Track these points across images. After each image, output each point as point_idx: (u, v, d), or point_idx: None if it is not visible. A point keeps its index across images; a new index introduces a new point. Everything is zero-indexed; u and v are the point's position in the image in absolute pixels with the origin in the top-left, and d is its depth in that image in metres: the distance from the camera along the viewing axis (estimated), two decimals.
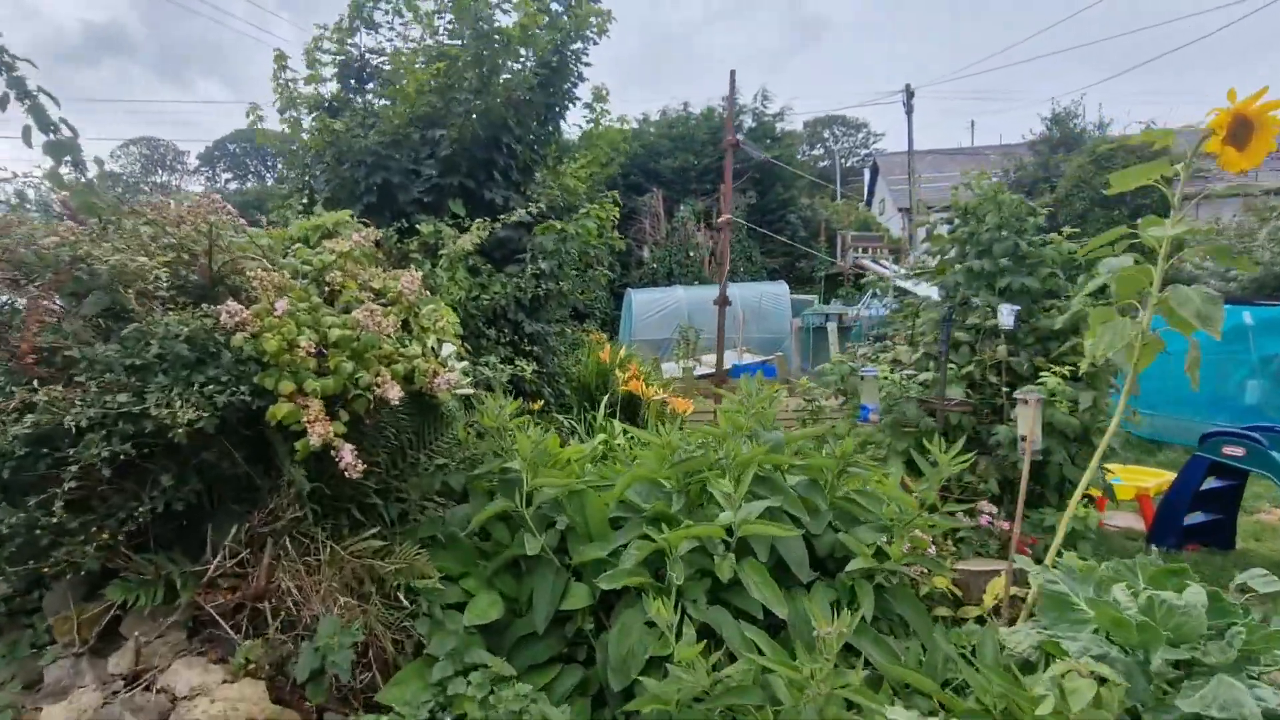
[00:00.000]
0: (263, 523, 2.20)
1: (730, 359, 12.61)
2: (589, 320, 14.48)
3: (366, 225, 4.74)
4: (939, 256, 4.55)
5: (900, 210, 29.08)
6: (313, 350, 2.04)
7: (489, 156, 5.25)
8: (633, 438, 3.86)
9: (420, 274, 3.19)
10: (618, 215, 6.19)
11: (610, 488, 2.77)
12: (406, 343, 2.69)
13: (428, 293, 3.63)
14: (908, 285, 17.42)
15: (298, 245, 2.83)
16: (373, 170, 4.91)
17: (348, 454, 1.90)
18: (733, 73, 5.63)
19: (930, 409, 3.40)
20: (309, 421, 1.84)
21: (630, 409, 7.80)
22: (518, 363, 5.21)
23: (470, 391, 2.91)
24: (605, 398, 7.63)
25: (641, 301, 15.32)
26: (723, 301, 5.42)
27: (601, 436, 3.73)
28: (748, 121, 21.97)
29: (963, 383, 3.83)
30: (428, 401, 2.80)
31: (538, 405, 4.45)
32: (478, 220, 4.48)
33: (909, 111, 25.69)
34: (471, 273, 4.95)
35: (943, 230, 4.54)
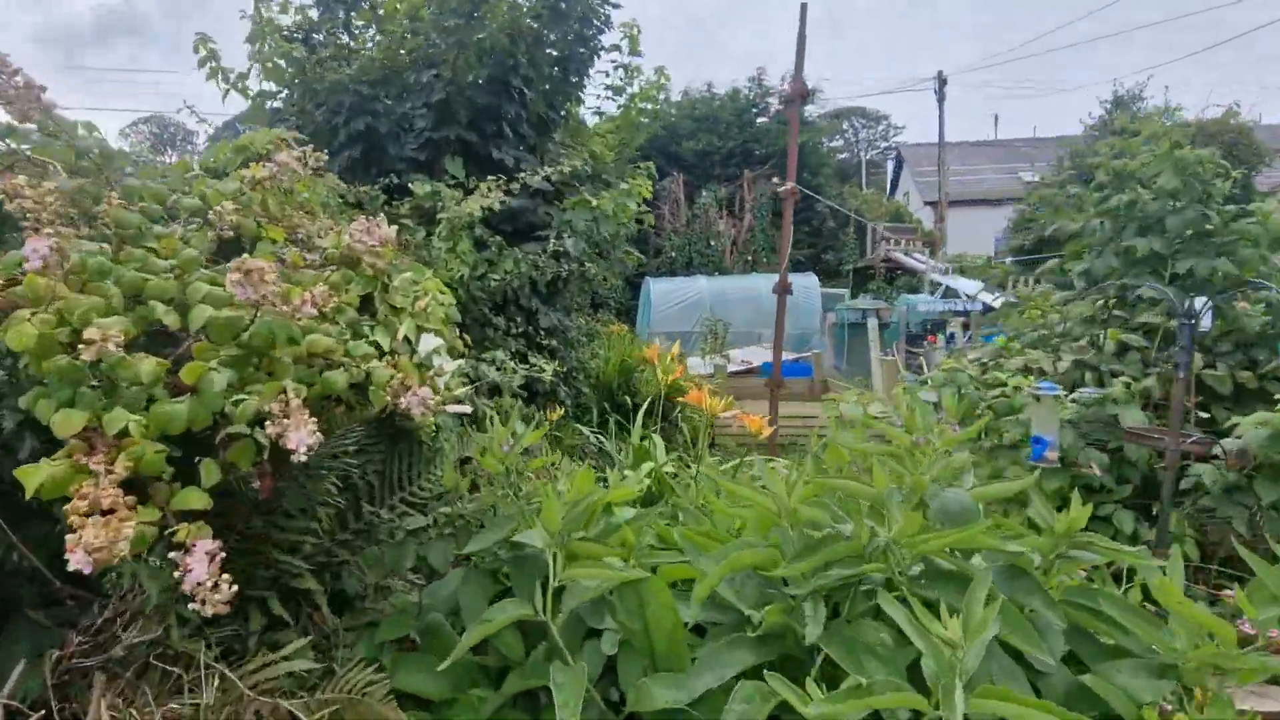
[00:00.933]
0: (83, 648, 1.24)
1: (759, 355, 11.60)
2: (603, 310, 13.53)
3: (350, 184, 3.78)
4: (1070, 236, 3.53)
5: (926, 203, 27.91)
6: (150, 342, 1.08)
7: (494, 103, 4.26)
8: (687, 473, 2.89)
9: (394, 231, 2.22)
10: (650, 191, 5.20)
11: (679, 561, 1.81)
12: (367, 332, 1.72)
13: (407, 258, 2.66)
14: (945, 280, 16.36)
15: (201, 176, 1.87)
16: (354, 115, 3.93)
17: (200, 568, 0.92)
18: (804, 6, 4.60)
19: (1150, 444, 2.40)
20: (86, 506, 0.84)
21: (661, 413, 6.82)
22: (533, 360, 4.25)
23: (467, 410, 1.94)
24: (631, 399, 6.68)
25: (661, 291, 14.32)
26: (784, 288, 4.44)
27: (648, 466, 2.75)
28: (774, 104, 20.83)
29: (1134, 403, 2.82)
30: (400, 425, 1.83)
31: (557, 414, 3.49)
32: (489, 179, 3.50)
33: (940, 100, 24.48)
34: (477, 245, 3.98)
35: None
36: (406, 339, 1.79)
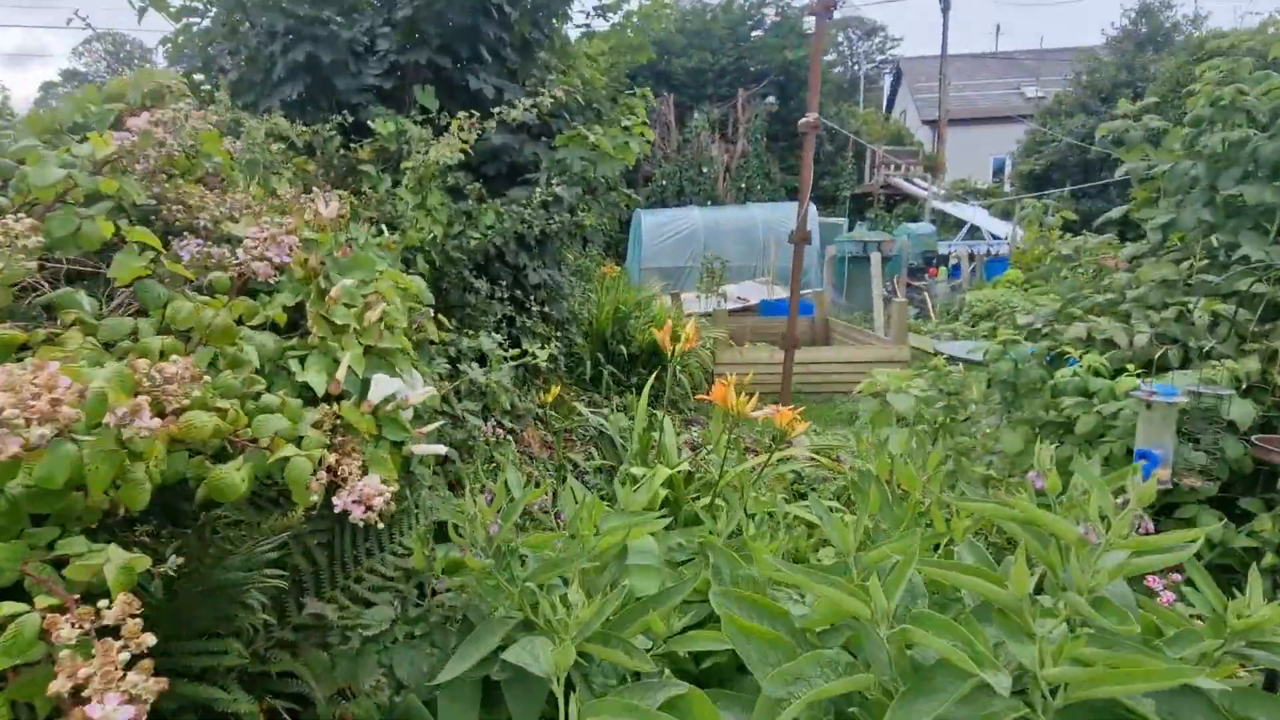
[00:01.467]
0: None
1: (756, 292, 11.11)
2: (591, 246, 12.87)
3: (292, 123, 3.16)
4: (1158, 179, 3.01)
5: (925, 123, 26.69)
6: None
7: (470, 23, 3.58)
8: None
9: (337, 205, 1.71)
10: (650, 131, 4.56)
11: (715, 645, 1.42)
12: (294, 369, 1.23)
13: (364, 225, 2.15)
14: (947, 208, 15.74)
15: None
16: (292, 42, 3.25)
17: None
18: None
19: None
20: None
21: (653, 364, 6.39)
22: (521, 322, 3.75)
23: (441, 451, 1.48)
24: (626, 348, 6.23)
25: (652, 225, 13.61)
26: (802, 237, 3.91)
27: (663, 473, 2.32)
28: (769, 16, 19.40)
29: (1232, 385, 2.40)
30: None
31: (551, 395, 3.04)
32: (460, 115, 2.90)
33: (945, 9, 22.98)
34: (453, 195, 3.40)
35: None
36: (351, 368, 1.31)
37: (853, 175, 18.44)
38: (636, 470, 2.55)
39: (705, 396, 2.21)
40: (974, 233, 14.81)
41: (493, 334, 2.98)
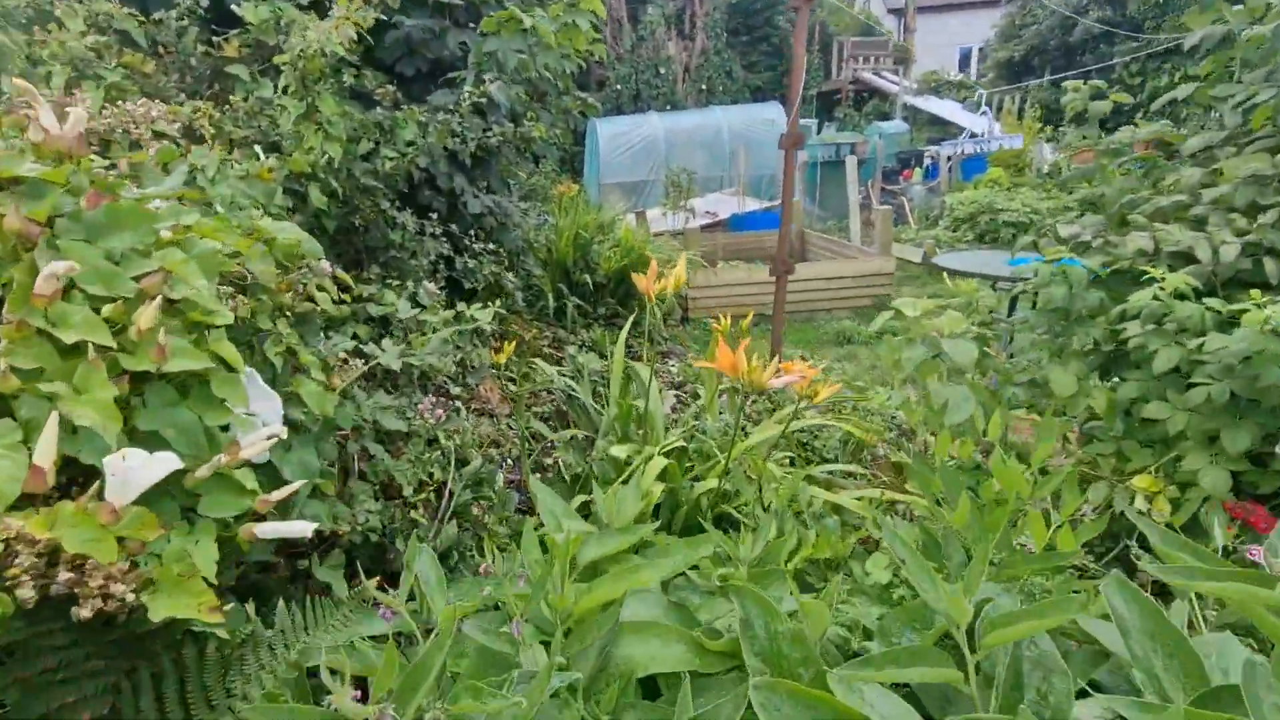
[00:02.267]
0: None
1: (725, 205, 10.37)
2: (545, 162, 11.88)
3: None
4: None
5: (891, 11, 25.17)
6: None
7: None
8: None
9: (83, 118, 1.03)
10: (603, 9, 3.76)
11: None
12: None
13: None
14: (919, 103, 14.92)
15: None
16: None
17: None
18: None
19: None
20: None
21: (621, 293, 5.77)
22: (463, 264, 3.08)
23: (307, 532, 0.89)
24: (591, 276, 5.60)
25: (610, 135, 12.56)
26: (794, 141, 3.27)
27: (656, 466, 1.78)
28: None
29: None
30: (142, 627, 0.80)
31: (505, 355, 2.44)
32: None
33: None
34: (361, 104, 2.66)
35: None
36: (93, 438, 0.71)
37: (819, 71, 17.30)
38: (618, 450, 2.02)
39: (706, 364, 1.64)
40: (944, 128, 14.11)
41: (425, 283, 2.34)
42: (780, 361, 4.00)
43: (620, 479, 1.92)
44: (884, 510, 1.93)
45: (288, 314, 1.41)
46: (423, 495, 1.99)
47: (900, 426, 3.63)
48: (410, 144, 2.55)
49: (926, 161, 12.16)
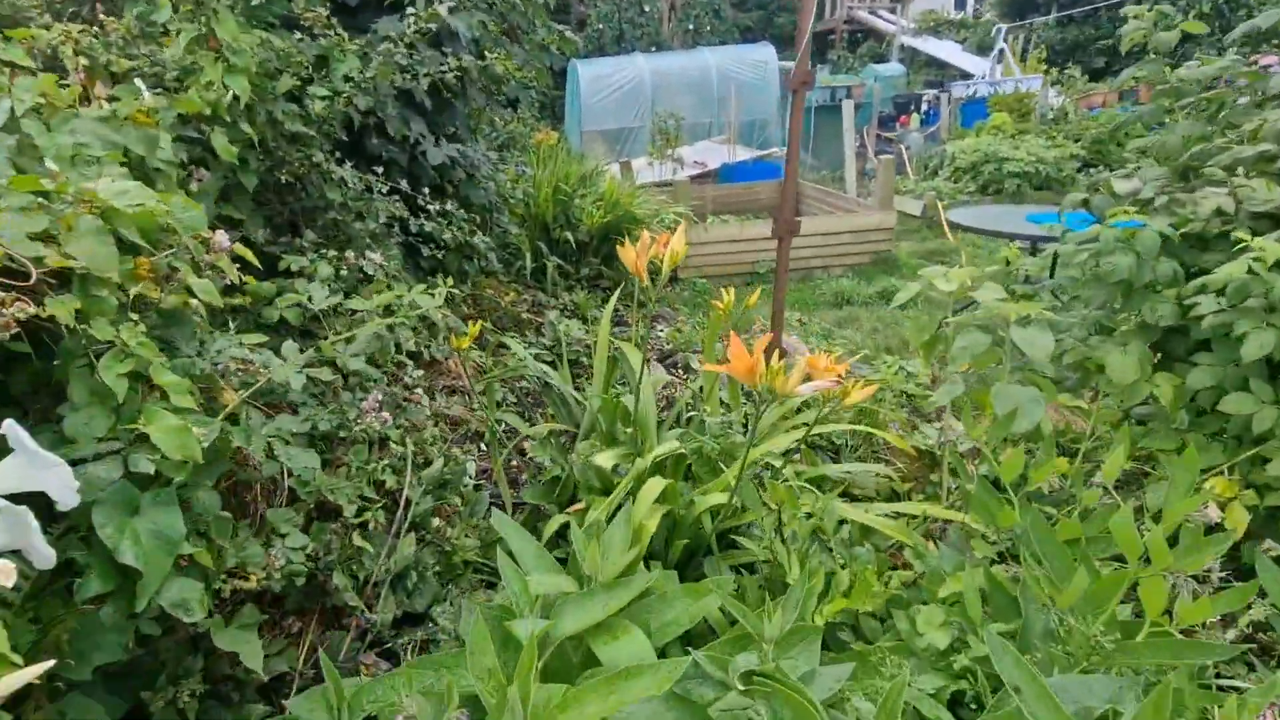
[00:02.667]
0: None
1: (714, 154, 9.83)
2: (523, 108, 11.18)
3: None
4: None
5: None
6: None
7: None
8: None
9: None
10: None
11: None
12: None
13: None
14: (917, 44, 14.23)
15: None
16: None
17: None
18: None
19: None
20: None
21: (604, 252, 5.34)
22: (420, 227, 2.66)
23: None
24: (572, 234, 5.17)
25: (591, 77, 11.84)
26: (803, 79, 2.83)
27: (652, 490, 1.43)
28: None
29: None
30: None
31: (466, 341, 2.06)
32: None
33: None
34: (287, 32, 2.19)
35: None
36: None
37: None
38: (604, 458, 1.67)
39: (716, 367, 1.28)
40: (941, 70, 13.47)
41: (369, 253, 1.93)
42: (781, 342, 3.63)
43: (607, 497, 1.57)
44: (924, 530, 1.61)
45: (145, 313, 1.03)
46: (368, 515, 1.64)
47: (911, 402, 3.31)
48: (350, 80, 2.10)
49: (925, 106, 11.61)
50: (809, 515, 1.47)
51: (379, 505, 1.72)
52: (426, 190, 2.54)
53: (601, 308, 4.97)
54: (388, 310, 1.56)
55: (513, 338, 3.82)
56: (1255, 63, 2.24)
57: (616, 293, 2.69)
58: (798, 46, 2.99)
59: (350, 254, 1.90)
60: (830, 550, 1.46)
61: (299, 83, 1.93)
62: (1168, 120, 2.43)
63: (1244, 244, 1.74)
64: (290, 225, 2.20)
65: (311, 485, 1.48)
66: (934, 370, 2.42)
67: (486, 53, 2.66)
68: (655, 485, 1.41)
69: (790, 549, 1.40)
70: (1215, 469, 1.90)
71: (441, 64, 2.40)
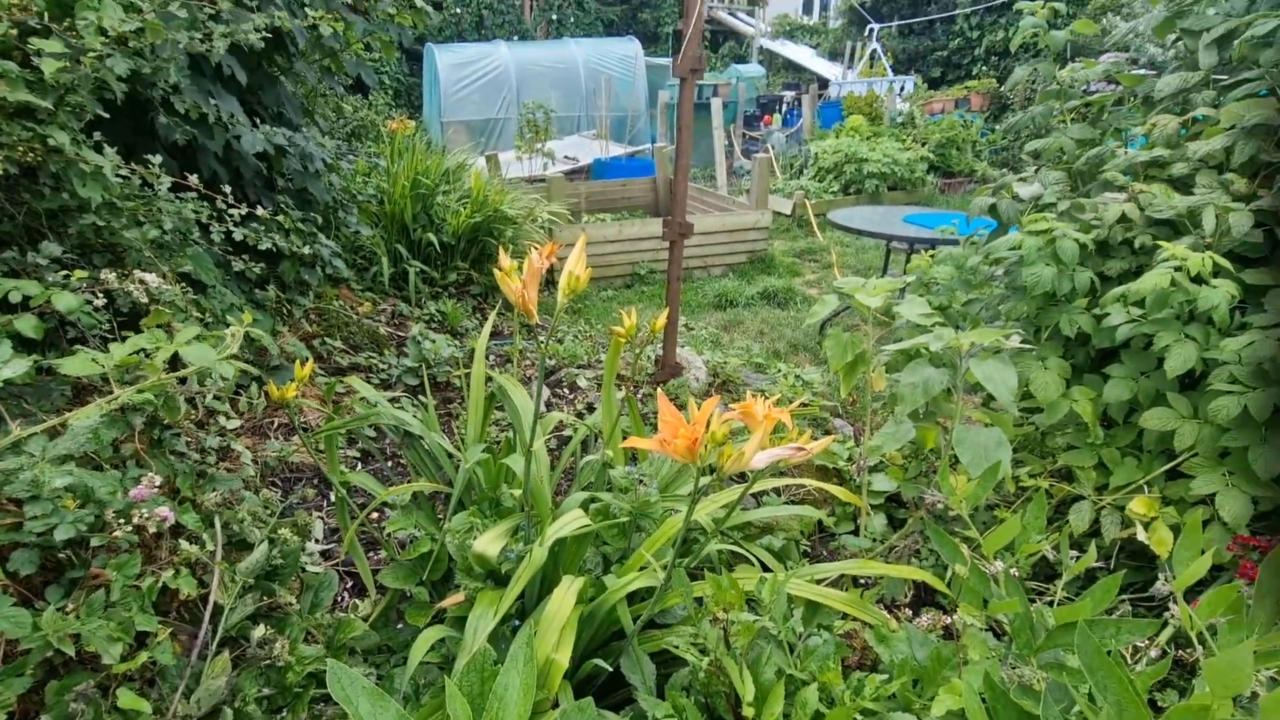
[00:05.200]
0: None
1: (585, 150, 9.48)
2: (372, 92, 10.20)
3: None
4: None
5: None
6: None
7: None
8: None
9: None
10: None
11: None
12: None
13: None
14: (775, 47, 14.68)
15: None
16: None
17: None
18: None
19: None
20: None
21: (472, 254, 4.83)
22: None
23: None
24: (436, 235, 4.61)
25: (451, 64, 11.06)
26: (690, 65, 2.55)
27: (557, 616, 1.07)
28: None
29: None
30: None
31: (291, 391, 1.57)
32: None
33: None
34: None
35: None
36: None
37: (674, 8, 16.49)
38: (487, 544, 1.28)
39: (641, 443, 0.93)
40: (798, 74, 13.98)
41: (140, 273, 1.39)
42: (675, 352, 3.34)
43: (491, 585, 1.19)
44: (880, 601, 1.37)
45: None
46: (139, 661, 1.14)
47: (824, 399, 3.16)
48: (106, 39, 1.52)
49: (784, 108, 11.95)
50: (751, 601, 1.18)
51: (166, 635, 1.21)
52: (254, 185, 1.98)
53: (472, 317, 4.46)
54: (135, 372, 1.06)
55: (370, 358, 3.26)
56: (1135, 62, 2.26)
57: (492, 316, 2.27)
58: (685, 30, 2.74)
59: (111, 274, 1.36)
60: (779, 643, 1.17)
61: (14, 30, 1.35)
62: (1055, 123, 2.40)
63: (1169, 254, 1.67)
64: (26, 234, 1.59)
65: (34, 637, 0.97)
66: (853, 394, 2.25)
67: (309, 11, 2.14)
68: (566, 599, 1.04)
69: (736, 656, 1.09)
70: (1132, 485, 1.84)
71: (251, 28, 1.86)
